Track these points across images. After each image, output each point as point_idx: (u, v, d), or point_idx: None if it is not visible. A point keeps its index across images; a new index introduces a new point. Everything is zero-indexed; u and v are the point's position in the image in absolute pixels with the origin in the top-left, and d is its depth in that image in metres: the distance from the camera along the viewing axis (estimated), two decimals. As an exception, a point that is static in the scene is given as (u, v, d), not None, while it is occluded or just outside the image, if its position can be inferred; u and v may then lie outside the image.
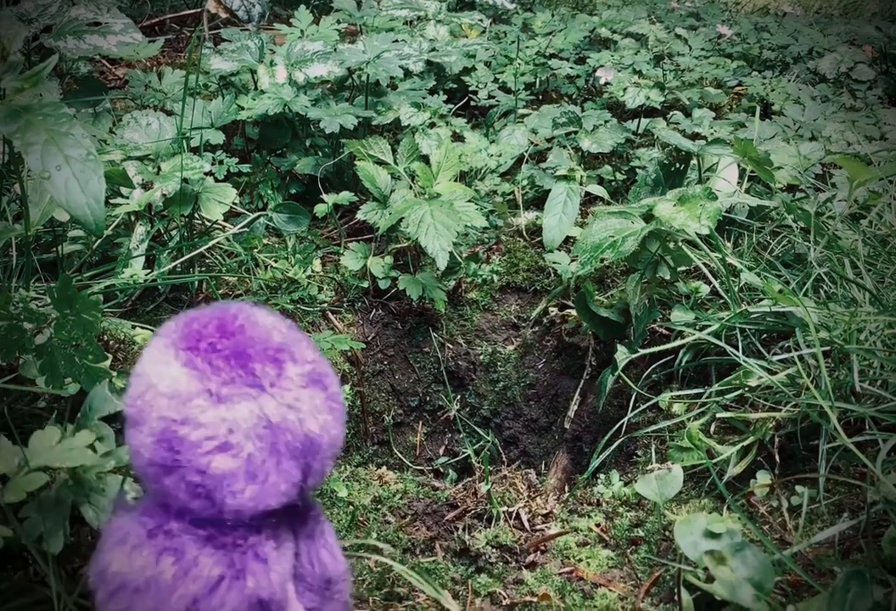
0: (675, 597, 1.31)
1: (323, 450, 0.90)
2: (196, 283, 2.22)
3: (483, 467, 1.84)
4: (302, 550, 0.99)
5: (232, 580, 0.89)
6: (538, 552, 1.57)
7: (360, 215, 2.39)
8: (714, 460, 1.64)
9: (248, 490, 0.86)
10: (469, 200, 2.29)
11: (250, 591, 0.89)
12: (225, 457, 0.84)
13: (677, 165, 2.24)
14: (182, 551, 0.89)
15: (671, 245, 1.94)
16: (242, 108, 2.53)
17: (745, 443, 1.64)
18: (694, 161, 2.27)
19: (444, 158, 2.38)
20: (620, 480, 1.86)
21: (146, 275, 2.01)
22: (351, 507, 1.75)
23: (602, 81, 2.94)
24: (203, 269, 2.27)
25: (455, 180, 2.38)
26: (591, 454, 2.19)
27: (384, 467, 2.05)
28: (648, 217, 1.87)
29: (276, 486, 0.87)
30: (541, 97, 3.14)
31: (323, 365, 0.92)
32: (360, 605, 1.42)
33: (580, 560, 1.54)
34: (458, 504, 1.69)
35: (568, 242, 2.43)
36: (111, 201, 2.05)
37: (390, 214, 2.30)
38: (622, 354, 2.02)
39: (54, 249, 2.03)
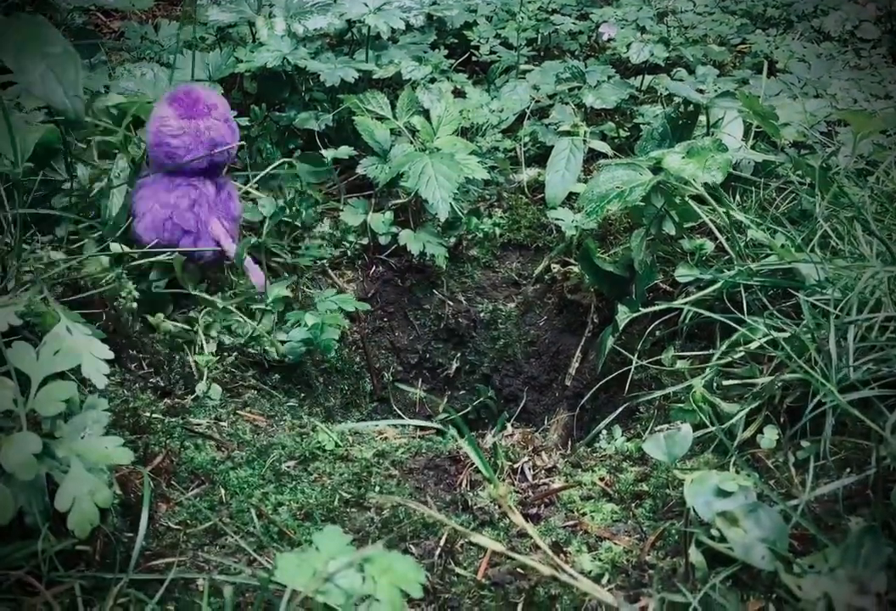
0: (682, 552, 1.30)
1: (230, 138, 2.04)
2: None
3: (493, 423, 1.84)
4: (221, 192, 2.07)
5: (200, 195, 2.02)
6: (542, 506, 1.56)
7: (359, 170, 2.36)
8: (723, 426, 1.63)
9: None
10: (470, 153, 2.26)
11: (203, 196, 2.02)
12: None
13: (685, 120, 2.20)
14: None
15: (677, 200, 1.92)
16: (240, 61, 2.49)
17: (753, 406, 1.63)
18: (701, 117, 2.24)
19: (444, 113, 2.34)
20: (623, 435, 1.85)
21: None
22: (352, 462, 1.74)
23: (605, 37, 2.90)
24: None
25: (456, 135, 2.35)
26: (592, 412, 2.19)
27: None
28: (656, 170, 1.84)
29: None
30: (542, 53, 3.09)
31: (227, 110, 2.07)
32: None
33: (584, 514, 1.53)
34: (462, 458, 1.68)
35: (570, 198, 2.40)
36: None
37: (390, 168, 2.27)
38: (623, 315, 2.00)
39: (48, 203, 2.00)
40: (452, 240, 2.42)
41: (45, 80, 1.28)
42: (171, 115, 1.96)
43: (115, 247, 1.88)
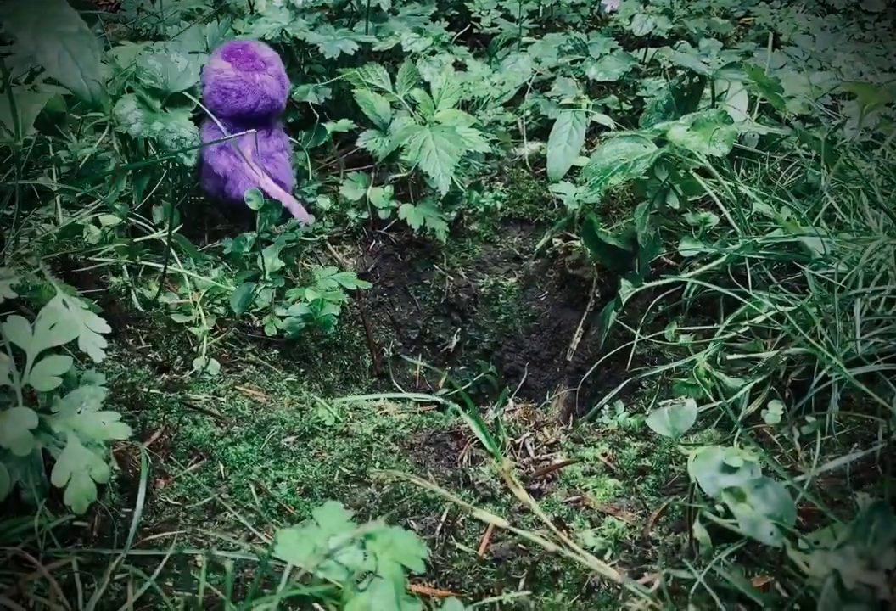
0: (686, 528, 1.29)
1: (279, 94, 2.14)
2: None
3: (494, 399, 1.82)
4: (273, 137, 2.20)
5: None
6: (544, 481, 1.55)
7: (359, 143, 2.33)
8: (727, 400, 1.61)
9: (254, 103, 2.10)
10: (471, 126, 2.23)
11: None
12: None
13: (689, 92, 2.18)
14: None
15: (681, 173, 1.89)
16: (238, 33, 2.46)
17: (757, 380, 1.61)
18: (705, 90, 2.21)
19: (445, 86, 2.31)
20: (625, 410, 1.83)
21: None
22: (353, 438, 1.73)
23: (608, 9, 2.85)
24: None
25: (457, 108, 2.32)
26: (594, 387, 2.17)
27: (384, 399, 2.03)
28: (661, 142, 1.82)
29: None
30: (544, 26, 3.05)
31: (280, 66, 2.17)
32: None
33: (587, 489, 1.52)
34: (463, 434, 1.66)
35: (572, 172, 2.37)
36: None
37: (390, 141, 2.24)
38: (626, 289, 1.98)
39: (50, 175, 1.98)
40: (453, 214, 2.40)
41: (63, 61, 1.26)
42: (228, 68, 2.09)
43: (111, 218, 1.85)
